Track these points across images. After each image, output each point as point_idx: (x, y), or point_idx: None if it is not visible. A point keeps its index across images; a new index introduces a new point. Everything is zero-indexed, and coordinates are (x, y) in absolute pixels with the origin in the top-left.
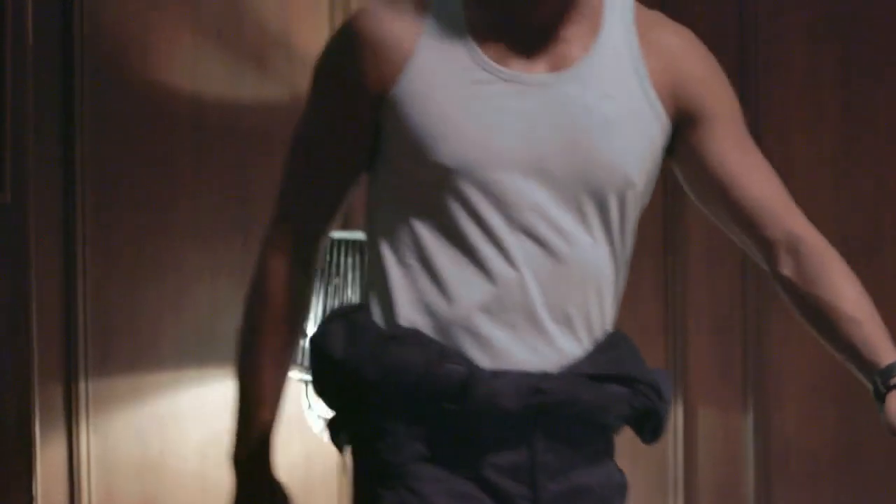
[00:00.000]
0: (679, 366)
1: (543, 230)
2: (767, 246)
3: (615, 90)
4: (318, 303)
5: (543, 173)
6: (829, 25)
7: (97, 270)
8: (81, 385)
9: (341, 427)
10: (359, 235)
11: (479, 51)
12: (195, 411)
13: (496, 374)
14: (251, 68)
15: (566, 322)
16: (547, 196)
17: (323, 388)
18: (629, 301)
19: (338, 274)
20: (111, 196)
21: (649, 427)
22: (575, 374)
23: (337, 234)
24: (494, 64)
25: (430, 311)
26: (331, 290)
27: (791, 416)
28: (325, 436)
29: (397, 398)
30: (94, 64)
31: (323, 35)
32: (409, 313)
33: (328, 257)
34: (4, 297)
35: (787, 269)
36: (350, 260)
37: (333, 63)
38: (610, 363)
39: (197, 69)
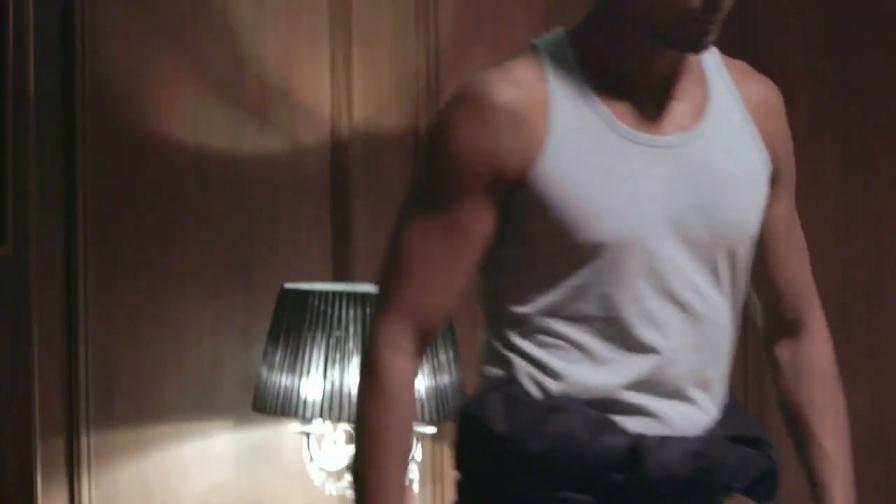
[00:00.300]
0: None
1: (687, 295)
2: (775, 322)
3: (734, 145)
4: (319, 355)
5: (684, 237)
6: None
7: (99, 323)
8: (83, 438)
9: (487, 498)
10: (360, 288)
11: (612, 116)
12: (197, 463)
13: (662, 442)
14: (252, 120)
15: (703, 385)
16: (688, 259)
17: (477, 460)
18: None
19: (339, 326)
20: (113, 248)
21: (763, 488)
22: (718, 437)
23: (338, 287)
24: (629, 129)
25: (583, 385)
26: (332, 342)
27: (792, 470)
28: (327, 488)
29: (561, 469)
30: (95, 116)
31: (324, 87)
32: (562, 387)
33: (329, 310)
34: (6, 350)
35: (781, 353)
36: (352, 312)
37: (467, 137)
38: (739, 424)
39: (198, 122)
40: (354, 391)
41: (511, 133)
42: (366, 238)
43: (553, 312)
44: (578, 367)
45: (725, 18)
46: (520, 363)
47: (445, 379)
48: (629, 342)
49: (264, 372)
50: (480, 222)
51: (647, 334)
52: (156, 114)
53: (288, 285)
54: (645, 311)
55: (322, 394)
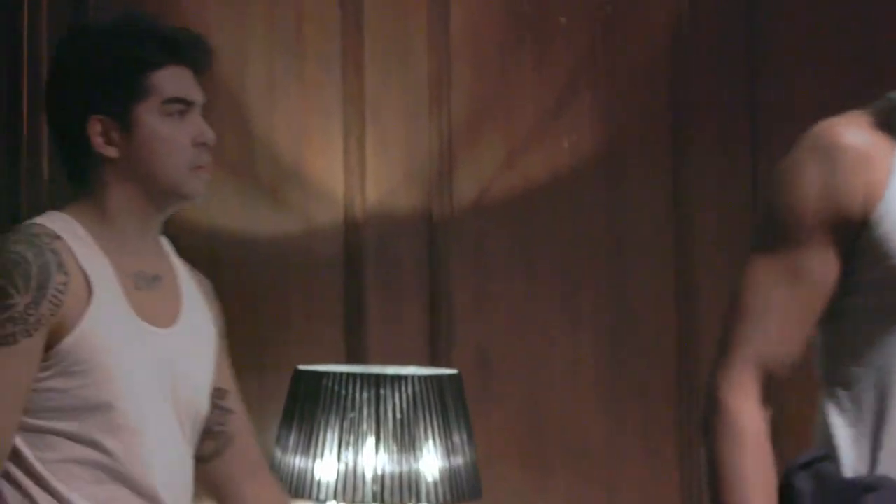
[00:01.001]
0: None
1: None
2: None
3: None
4: (333, 437)
5: None
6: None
7: None
8: None
9: None
10: (374, 369)
11: None
12: None
13: None
14: (265, 201)
15: None
16: None
17: None
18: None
19: (353, 408)
20: None
21: None
22: None
23: (352, 369)
24: None
25: None
26: (346, 424)
27: None
28: None
29: None
30: None
31: (337, 168)
32: (888, 464)
33: (343, 391)
34: None
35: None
36: (365, 394)
37: (812, 177)
38: None
39: (210, 203)
40: (368, 473)
41: (855, 173)
42: (379, 319)
43: (888, 370)
44: None
45: None
46: (842, 432)
47: (459, 460)
48: None
49: (278, 454)
50: (825, 269)
51: None
52: None
53: (301, 367)
54: None
55: (336, 475)
